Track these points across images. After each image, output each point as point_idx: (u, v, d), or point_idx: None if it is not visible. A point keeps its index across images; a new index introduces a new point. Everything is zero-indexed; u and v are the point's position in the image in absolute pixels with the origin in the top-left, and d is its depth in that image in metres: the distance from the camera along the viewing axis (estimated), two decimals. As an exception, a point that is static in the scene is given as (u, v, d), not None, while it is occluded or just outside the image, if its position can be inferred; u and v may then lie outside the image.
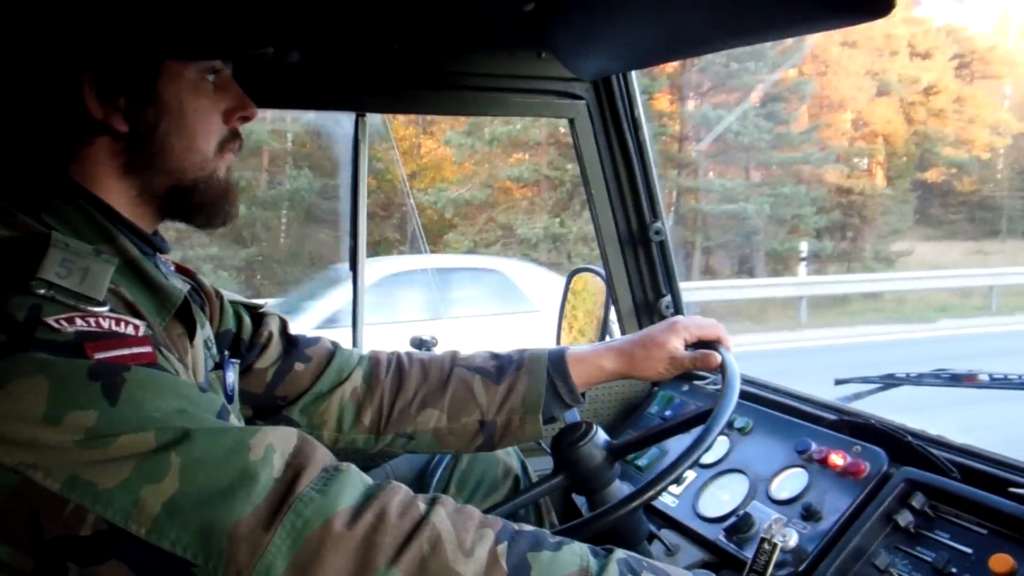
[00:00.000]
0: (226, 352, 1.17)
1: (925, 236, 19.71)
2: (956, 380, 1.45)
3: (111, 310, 0.79)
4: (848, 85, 18.66)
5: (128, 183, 0.93)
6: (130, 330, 0.78)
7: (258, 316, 1.30)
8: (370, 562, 0.70)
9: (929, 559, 1.12)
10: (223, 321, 1.23)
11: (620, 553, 0.80)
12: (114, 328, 0.77)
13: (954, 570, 1.08)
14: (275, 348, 1.29)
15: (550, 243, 13.96)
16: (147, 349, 0.78)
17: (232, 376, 1.13)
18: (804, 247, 16.19)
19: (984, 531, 1.10)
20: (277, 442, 0.76)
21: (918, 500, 1.19)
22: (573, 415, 1.67)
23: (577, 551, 0.78)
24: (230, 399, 1.12)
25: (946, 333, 10.76)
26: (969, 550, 1.10)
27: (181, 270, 1.15)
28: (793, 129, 16.80)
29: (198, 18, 0.91)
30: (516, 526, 0.79)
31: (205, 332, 1.11)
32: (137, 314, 0.83)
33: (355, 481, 0.76)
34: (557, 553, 0.76)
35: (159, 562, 0.69)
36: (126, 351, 0.75)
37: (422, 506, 0.76)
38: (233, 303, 1.26)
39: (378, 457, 1.57)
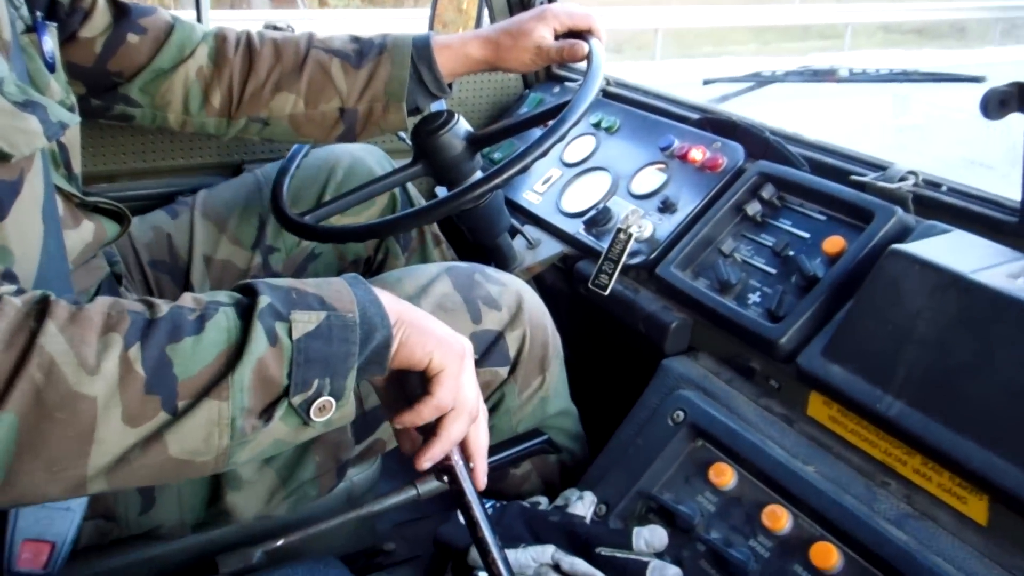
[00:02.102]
0: (39, 14, 1.01)
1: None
2: (818, 76, 1.46)
3: None
4: None
5: None
6: None
7: None
8: None
9: (770, 243, 1.18)
10: None
11: (265, 300, 0.68)
12: None
13: (791, 252, 1.15)
14: (102, 15, 1.14)
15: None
16: None
17: (50, 41, 0.99)
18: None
19: (823, 217, 1.16)
20: None
21: (768, 191, 1.23)
22: (440, 108, 1.61)
23: (223, 323, 0.66)
24: (52, 68, 0.99)
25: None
26: (807, 234, 1.16)
27: None
28: None
29: None
30: (148, 315, 0.66)
31: None
32: None
33: None
34: (200, 336, 0.65)
35: None
36: None
37: (31, 324, 0.61)
38: None
39: (236, 147, 1.49)
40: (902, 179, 1.13)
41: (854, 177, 1.16)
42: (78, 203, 1.01)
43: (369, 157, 1.45)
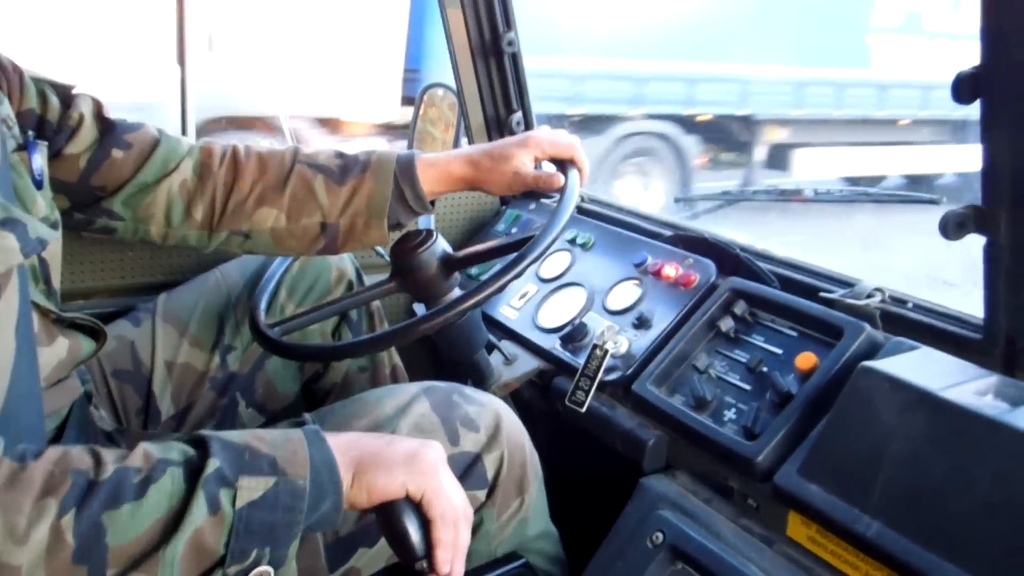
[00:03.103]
0: (31, 133, 1.04)
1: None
2: (784, 195, 1.51)
3: None
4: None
5: None
6: None
7: (67, 96, 1.15)
8: None
9: (744, 360, 1.19)
10: (24, 99, 1.08)
11: (213, 464, 0.67)
12: None
13: (765, 369, 1.16)
14: (88, 132, 1.16)
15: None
16: None
17: (40, 159, 1.01)
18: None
19: (795, 333, 1.18)
20: None
21: (740, 307, 1.25)
22: (428, 224, 1.64)
23: (166, 487, 0.65)
24: (39, 185, 1.00)
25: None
26: (780, 351, 1.17)
27: None
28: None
29: None
30: (92, 474, 0.65)
31: (3, 109, 0.98)
32: None
33: None
34: (140, 502, 0.64)
35: None
36: None
37: None
38: (37, 80, 1.11)
39: (216, 263, 1.50)
40: (869, 296, 1.16)
41: (823, 294, 1.19)
42: (54, 319, 1.01)
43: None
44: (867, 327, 1.08)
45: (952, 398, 0.88)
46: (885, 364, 0.96)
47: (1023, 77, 0.89)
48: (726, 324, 1.25)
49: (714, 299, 1.28)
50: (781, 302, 1.21)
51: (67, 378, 1.06)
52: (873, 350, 1.07)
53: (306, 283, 1.43)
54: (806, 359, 1.11)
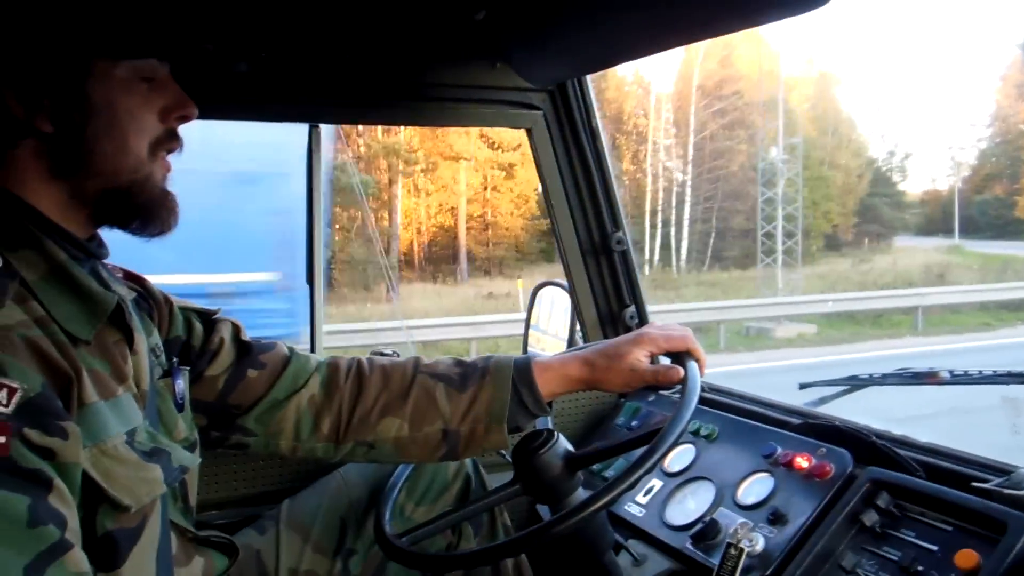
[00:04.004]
0: (175, 359, 1.13)
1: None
2: (918, 378, 1.44)
3: None
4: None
5: (58, 187, 0.90)
6: None
7: (210, 322, 1.26)
8: None
9: (895, 558, 1.10)
10: (172, 328, 1.19)
11: None
12: None
13: (920, 568, 1.06)
14: (227, 354, 1.24)
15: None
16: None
17: (182, 384, 1.09)
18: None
19: (949, 528, 1.09)
20: None
21: (883, 499, 1.18)
22: (545, 424, 1.64)
23: None
24: (180, 407, 1.08)
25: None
26: (935, 547, 1.08)
27: (130, 276, 1.12)
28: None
29: (127, 16, 0.88)
30: None
31: (153, 339, 1.08)
32: (45, 326, 0.80)
33: None
34: None
35: None
36: None
37: None
38: (184, 309, 1.22)
39: (338, 466, 1.54)
40: (1029, 484, 1.07)
41: (976, 484, 1.10)
42: (191, 538, 1.04)
43: None
44: (1032, 520, 0.99)
45: None
46: (1061, 563, 0.87)
47: None
48: (870, 518, 1.17)
49: (853, 491, 1.21)
50: (930, 493, 1.13)
51: None
52: (1044, 546, 0.97)
53: (424, 481, 1.44)
54: (967, 557, 1.02)
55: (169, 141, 0.97)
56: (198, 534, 1.04)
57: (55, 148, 0.89)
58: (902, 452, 1.27)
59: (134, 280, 1.13)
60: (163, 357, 1.10)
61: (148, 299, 1.14)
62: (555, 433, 1.25)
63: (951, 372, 1.37)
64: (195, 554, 1.03)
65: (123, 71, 0.91)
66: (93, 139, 0.90)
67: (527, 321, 2.06)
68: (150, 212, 0.96)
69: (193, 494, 1.11)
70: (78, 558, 0.72)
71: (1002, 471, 1.14)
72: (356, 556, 1.41)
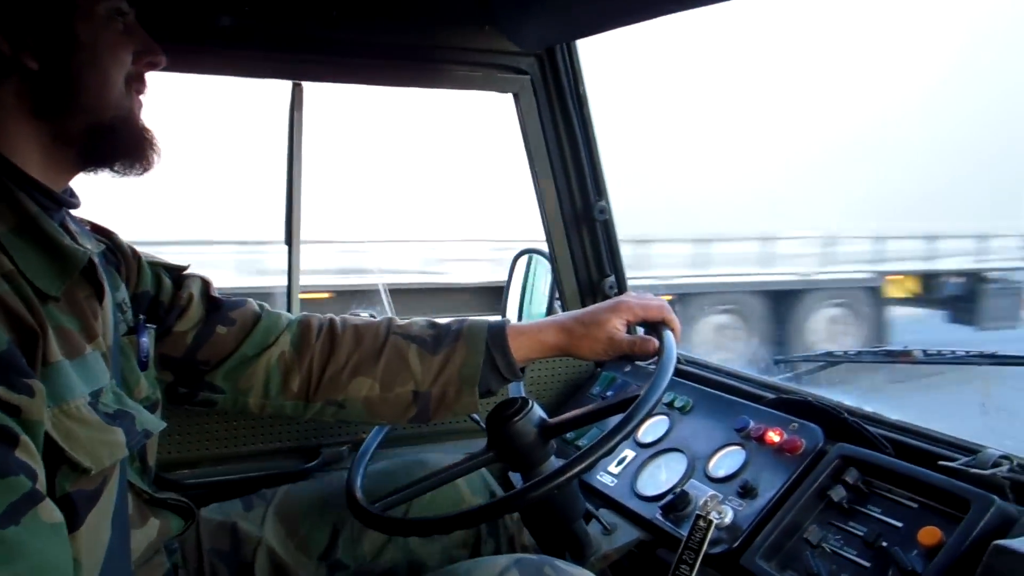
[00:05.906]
0: (141, 316, 1.11)
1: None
2: (892, 356, 1.46)
3: None
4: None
5: (40, 128, 0.90)
6: None
7: (179, 278, 1.24)
8: None
9: (861, 533, 1.12)
10: (140, 282, 1.17)
11: None
12: None
13: (884, 543, 1.08)
14: (196, 310, 1.23)
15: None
16: None
17: (147, 341, 1.08)
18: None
19: (915, 504, 1.11)
20: None
21: (852, 475, 1.19)
22: (518, 390, 1.64)
23: None
24: (144, 365, 1.07)
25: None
26: (900, 523, 1.10)
27: (97, 229, 1.10)
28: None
29: None
30: None
31: (120, 295, 1.06)
32: (12, 280, 0.79)
33: None
34: None
35: None
36: None
37: None
38: (152, 264, 1.20)
39: (313, 431, 1.52)
40: (996, 464, 1.09)
41: (943, 462, 1.12)
42: (147, 499, 1.03)
43: None
44: (996, 500, 1.01)
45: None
46: (1023, 543, 0.88)
47: None
48: (838, 494, 1.18)
49: (823, 466, 1.22)
50: (898, 471, 1.14)
51: (156, 554, 1.08)
52: (1005, 525, 0.99)
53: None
54: (930, 534, 1.03)
55: (139, 81, 0.97)
56: (155, 495, 1.03)
57: (39, 86, 0.88)
58: (872, 429, 1.28)
59: (102, 233, 1.11)
60: (129, 313, 1.08)
61: (116, 253, 1.12)
62: (529, 401, 1.25)
63: (924, 351, 1.38)
64: (151, 516, 1.03)
65: (103, 8, 0.91)
66: (78, 75, 0.90)
67: (507, 287, 2.06)
68: (134, 148, 0.96)
69: (152, 455, 1.10)
70: (51, 508, 0.72)
71: (969, 450, 1.15)
72: (344, 571, 1.35)
